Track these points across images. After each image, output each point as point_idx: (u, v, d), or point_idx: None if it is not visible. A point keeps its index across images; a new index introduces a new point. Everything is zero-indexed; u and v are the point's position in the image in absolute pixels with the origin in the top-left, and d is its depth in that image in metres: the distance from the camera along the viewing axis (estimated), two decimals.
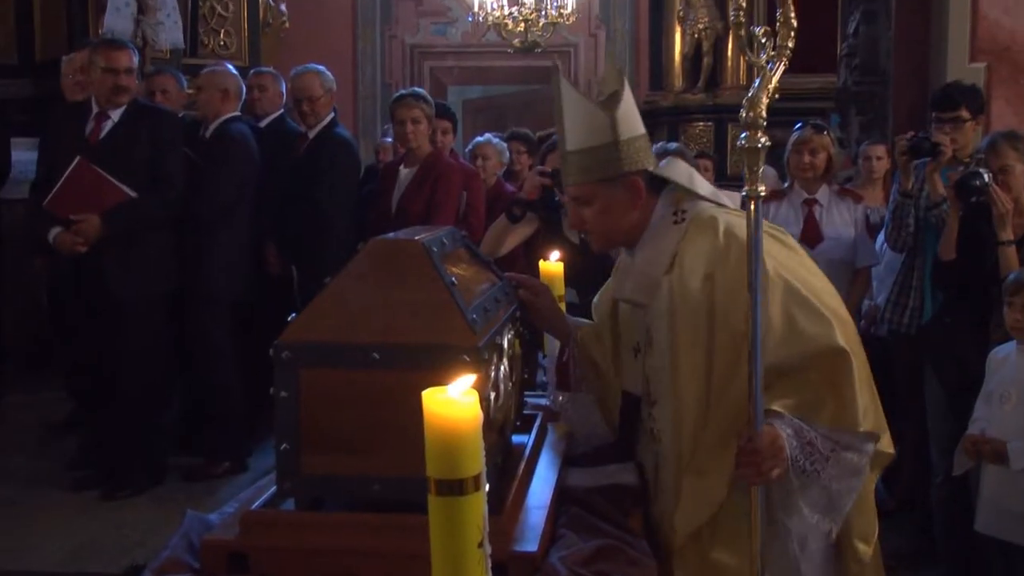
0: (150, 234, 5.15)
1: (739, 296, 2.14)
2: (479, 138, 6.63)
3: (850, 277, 4.78)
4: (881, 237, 4.83)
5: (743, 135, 2.09)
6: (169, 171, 5.15)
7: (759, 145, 2.07)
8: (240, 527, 1.91)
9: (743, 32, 2.16)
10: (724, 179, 10.02)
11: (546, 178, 4.24)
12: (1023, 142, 4.06)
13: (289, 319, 1.96)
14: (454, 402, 1.30)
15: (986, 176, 3.89)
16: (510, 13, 10.31)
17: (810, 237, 4.65)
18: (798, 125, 4.99)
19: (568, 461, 2.40)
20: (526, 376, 2.57)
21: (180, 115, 5.72)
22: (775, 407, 2.15)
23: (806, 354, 2.17)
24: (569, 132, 2.36)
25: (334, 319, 1.94)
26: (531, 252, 4.44)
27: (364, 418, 1.88)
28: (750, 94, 2.10)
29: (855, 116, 7.82)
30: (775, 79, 2.09)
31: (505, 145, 6.77)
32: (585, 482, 2.26)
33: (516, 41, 10.54)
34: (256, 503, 1.98)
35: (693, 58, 11.49)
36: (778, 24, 2.08)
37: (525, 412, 2.53)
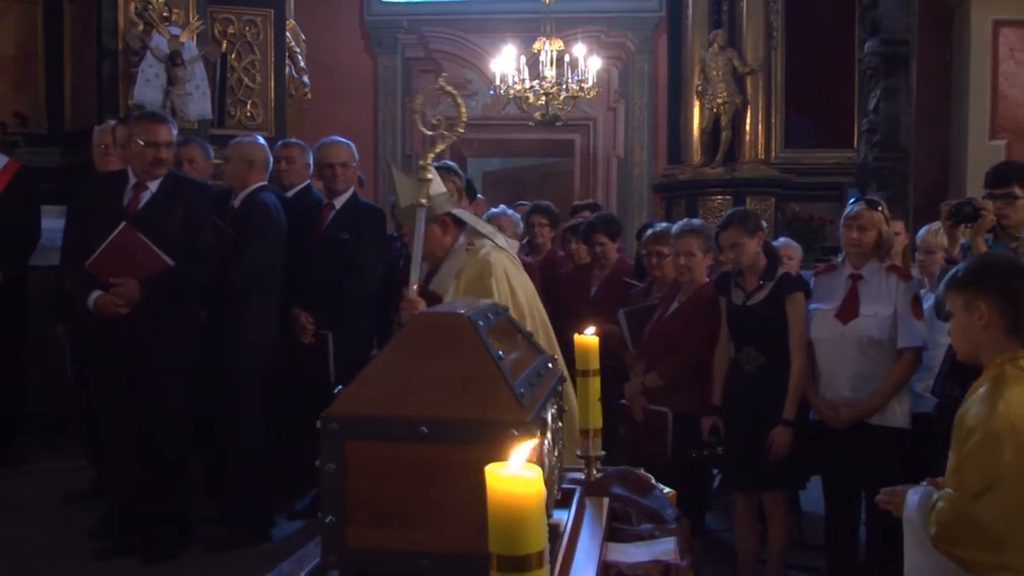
0: (183, 305, 5.19)
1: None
2: (494, 209, 6.80)
3: (885, 356, 4.53)
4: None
5: None
6: (207, 242, 5.21)
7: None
8: None
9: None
10: None
11: None
12: None
13: (336, 391, 1.97)
14: (518, 478, 1.29)
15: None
16: (531, 87, 10.40)
17: (845, 312, 4.53)
18: (852, 200, 4.87)
19: (609, 536, 2.38)
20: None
21: (209, 184, 5.78)
22: None
23: None
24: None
25: (382, 392, 1.94)
26: None
27: (411, 492, 1.88)
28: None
29: (875, 191, 7.87)
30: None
31: (519, 216, 6.86)
32: (628, 557, 2.24)
33: (537, 114, 10.62)
34: (300, 575, 1.97)
35: (711, 132, 11.61)
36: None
37: (563, 486, 2.51)
